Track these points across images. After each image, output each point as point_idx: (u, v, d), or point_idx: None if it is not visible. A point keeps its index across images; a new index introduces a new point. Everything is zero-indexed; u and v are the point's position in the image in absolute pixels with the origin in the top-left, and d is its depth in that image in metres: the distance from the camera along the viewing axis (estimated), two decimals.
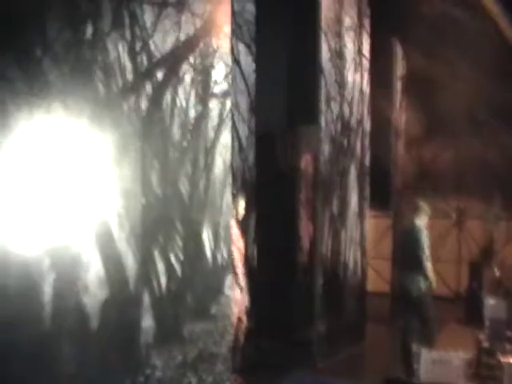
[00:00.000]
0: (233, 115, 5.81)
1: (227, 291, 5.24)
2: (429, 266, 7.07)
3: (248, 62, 6.72)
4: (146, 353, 4.35)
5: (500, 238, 10.70)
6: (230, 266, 5.30)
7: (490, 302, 7.90)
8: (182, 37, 4.54)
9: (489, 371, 6.38)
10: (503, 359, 6.34)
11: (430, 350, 6.02)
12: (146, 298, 4.44)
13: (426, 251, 7.07)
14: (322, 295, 7.67)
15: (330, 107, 7.63)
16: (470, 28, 9.08)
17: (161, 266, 4.52)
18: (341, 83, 7.88)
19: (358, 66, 8.49)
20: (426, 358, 5.67)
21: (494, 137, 10.00)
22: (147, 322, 4.36)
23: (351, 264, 8.58)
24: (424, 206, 7.39)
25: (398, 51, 10.05)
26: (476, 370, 6.24)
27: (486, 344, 7.15)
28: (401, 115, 10.23)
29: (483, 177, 10.21)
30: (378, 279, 10.83)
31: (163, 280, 4.63)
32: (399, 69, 9.99)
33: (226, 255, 5.14)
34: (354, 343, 8.32)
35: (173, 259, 4.63)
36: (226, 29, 5.14)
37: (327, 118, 7.56)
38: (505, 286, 9.21)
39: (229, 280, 5.27)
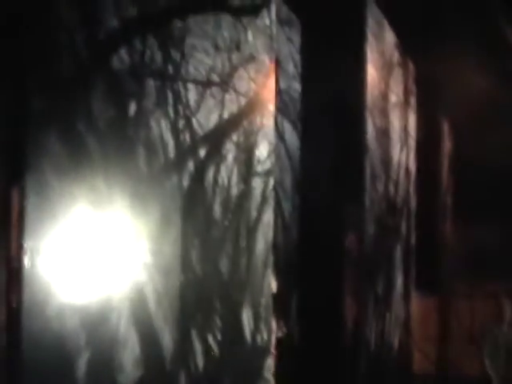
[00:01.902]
0: (277, 193, 5.69)
1: (267, 375, 4.97)
2: None
3: (293, 140, 6.64)
4: None
5: None
6: (270, 348, 5.05)
7: None
8: (226, 115, 4.51)
9: None
10: None
11: None
12: (182, 379, 4.28)
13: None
14: (366, 378, 7.44)
15: (375, 186, 7.57)
16: None
17: (198, 347, 4.39)
18: (386, 162, 7.79)
19: (404, 144, 8.31)
20: None
21: None
22: None
23: (396, 346, 8.44)
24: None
25: (445, 128, 9.89)
26: None
27: None
28: (447, 194, 9.94)
29: None
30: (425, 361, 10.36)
31: (200, 361, 4.46)
32: (446, 147, 9.80)
33: (266, 337, 4.91)
34: None
35: (211, 340, 4.46)
36: (271, 107, 5.09)
37: (372, 197, 7.50)
38: None
39: (268, 363, 4.99)
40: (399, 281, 8.42)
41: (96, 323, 3.67)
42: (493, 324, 7.04)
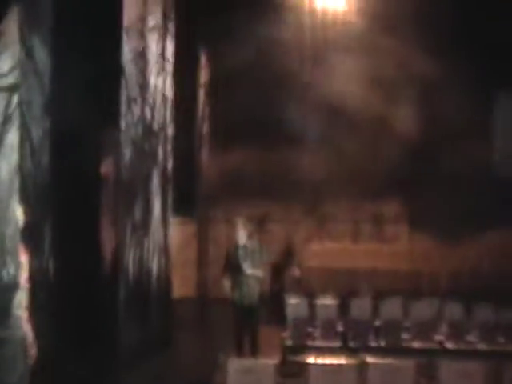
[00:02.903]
0: (23, 113, 4.95)
1: (17, 312, 4.43)
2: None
3: (43, 56, 5.79)
4: None
5: (300, 240, 10.94)
6: (18, 283, 4.50)
7: (292, 302, 8.13)
8: None
9: (293, 369, 6.38)
10: (307, 358, 6.39)
11: (238, 359, 5.94)
12: None
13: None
14: (126, 305, 7.29)
15: (132, 110, 7.15)
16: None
17: None
18: (143, 85, 7.41)
19: (161, 68, 8.03)
20: (234, 368, 5.36)
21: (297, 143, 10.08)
22: None
23: (155, 272, 8.25)
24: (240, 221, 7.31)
25: (203, 57, 9.72)
26: (281, 368, 6.09)
27: (289, 342, 7.38)
28: (204, 122, 9.88)
29: (284, 184, 10.36)
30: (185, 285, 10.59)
31: None
32: (204, 75, 9.66)
33: (13, 272, 4.35)
34: (162, 351, 8.01)
35: None
36: (13, 14, 4.35)
37: (128, 120, 7.07)
38: (304, 285, 9.56)
39: (18, 299, 4.46)
40: (157, 207, 8.17)
41: None
42: (233, 247, 7.44)
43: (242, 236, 7.45)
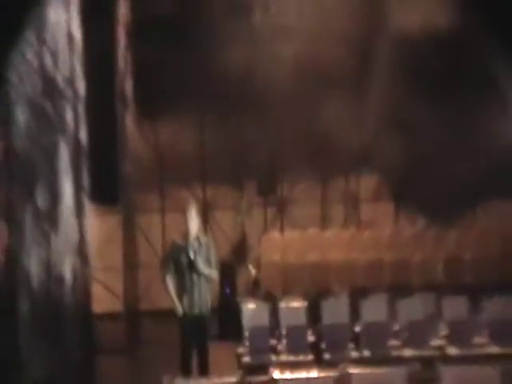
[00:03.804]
0: None
1: None
2: None
3: None
4: None
5: (254, 230, 10.15)
6: None
7: (249, 308, 7.60)
8: None
9: None
10: (273, 374, 5.81)
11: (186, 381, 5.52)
12: None
13: None
14: (29, 324, 6.34)
15: (24, 55, 6.17)
16: None
17: None
18: (40, 22, 6.42)
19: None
20: None
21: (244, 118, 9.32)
22: None
23: (68, 278, 7.36)
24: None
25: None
26: None
27: (247, 359, 6.96)
28: (127, 77, 8.66)
29: (232, 162, 9.65)
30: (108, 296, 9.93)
31: None
32: (123, 14, 8.30)
33: None
34: (83, 381, 7.39)
35: None
36: None
37: (20, 70, 6.09)
38: (264, 286, 8.86)
39: None
40: (68, 191, 7.28)
41: None
42: (181, 240, 6.57)
43: (193, 226, 6.75)
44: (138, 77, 8.50)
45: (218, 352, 7.17)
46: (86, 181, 7.64)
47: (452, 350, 6.89)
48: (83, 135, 7.51)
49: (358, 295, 7.84)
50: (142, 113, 8.88)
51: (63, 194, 7.17)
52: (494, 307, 7.19)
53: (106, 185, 8.00)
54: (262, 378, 5.96)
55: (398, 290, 8.12)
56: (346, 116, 8.69)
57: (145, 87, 8.63)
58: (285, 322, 7.36)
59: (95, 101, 7.46)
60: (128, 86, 8.73)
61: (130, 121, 8.80)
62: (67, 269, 7.30)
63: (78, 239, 7.52)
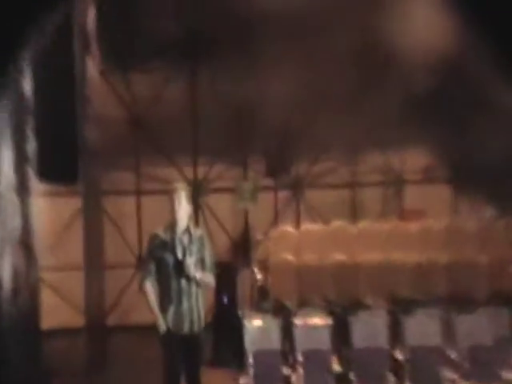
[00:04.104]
0: None
1: None
2: None
3: None
4: None
5: (261, 221, 9.12)
6: None
7: (253, 324, 6.95)
8: None
9: None
10: None
11: None
12: None
13: None
14: None
15: None
16: None
17: None
18: None
19: None
20: None
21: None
22: None
23: (7, 283, 6.64)
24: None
25: None
26: None
27: None
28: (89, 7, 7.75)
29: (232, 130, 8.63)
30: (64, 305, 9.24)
31: None
32: None
33: None
34: None
35: None
36: None
37: None
38: (274, 295, 8.01)
39: None
40: (7, 166, 6.39)
41: None
42: (164, 232, 5.81)
43: (182, 215, 5.91)
44: (106, 9, 7.25)
45: (212, 381, 6.66)
46: (31, 149, 6.77)
47: None
48: (27, 86, 6.59)
49: (400, 310, 7.21)
50: (112, 60, 7.89)
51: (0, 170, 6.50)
52: None
53: (60, 156, 7.07)
54: None
55: (457, 303, 7.26)
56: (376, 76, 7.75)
57: (116, 24, 7.60)
58: (301, 344, 6.68)
59: (42, 39, 6.17)
60: (91, 20, 7.67)
61: (94, 70, 7.83)
62: (5, 267, 6.50)
63: (20, 227, 6.67)
